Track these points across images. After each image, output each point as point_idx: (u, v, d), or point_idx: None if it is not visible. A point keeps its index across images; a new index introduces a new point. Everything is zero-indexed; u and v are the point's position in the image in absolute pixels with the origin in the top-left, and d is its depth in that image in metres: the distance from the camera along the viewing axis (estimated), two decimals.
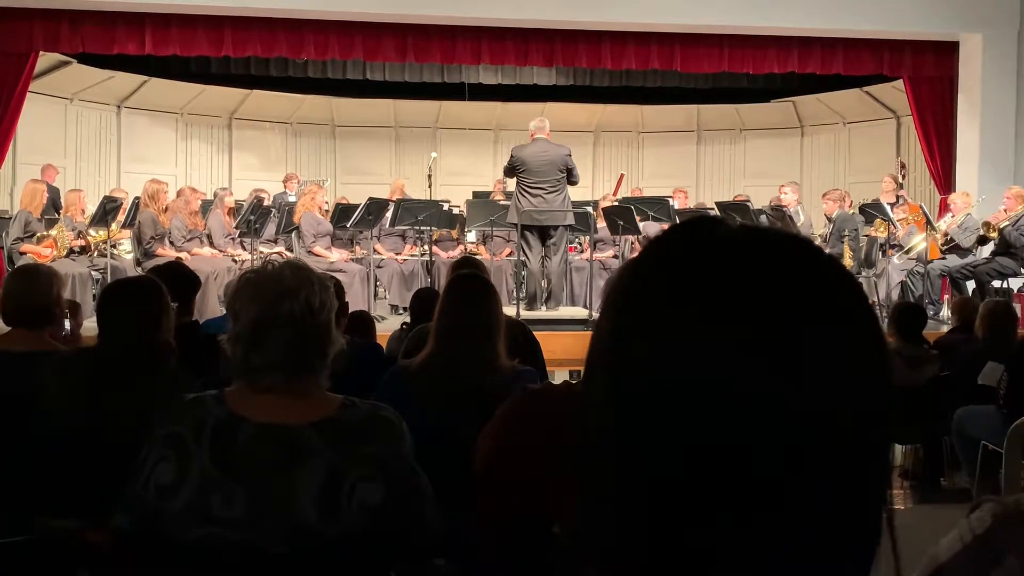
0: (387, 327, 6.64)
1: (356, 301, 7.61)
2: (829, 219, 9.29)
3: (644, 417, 0.54)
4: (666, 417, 0.54)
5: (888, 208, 9.11)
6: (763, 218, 9.02)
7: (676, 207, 9.67)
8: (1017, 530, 0.89)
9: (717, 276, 0.55)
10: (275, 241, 9.66)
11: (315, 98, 13.72)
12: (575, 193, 8.73)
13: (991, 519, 0.90)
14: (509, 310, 6.51)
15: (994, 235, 8.32)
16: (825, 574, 0.55)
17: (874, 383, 0.56)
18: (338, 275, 6.23)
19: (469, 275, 3.18)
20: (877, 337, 0.57)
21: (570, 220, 8.11)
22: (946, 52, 10.37)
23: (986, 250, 8.64)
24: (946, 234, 8.66)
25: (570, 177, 7.99)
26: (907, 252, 8.89)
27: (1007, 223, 8.22)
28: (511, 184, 8.61)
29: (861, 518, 0.56)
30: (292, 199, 10.42)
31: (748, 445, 0.53)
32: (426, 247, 9.41)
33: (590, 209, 9.20)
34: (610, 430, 0.56)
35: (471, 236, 10.18)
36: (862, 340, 0.56)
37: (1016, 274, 8.36)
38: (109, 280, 7.35)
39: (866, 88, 12.55)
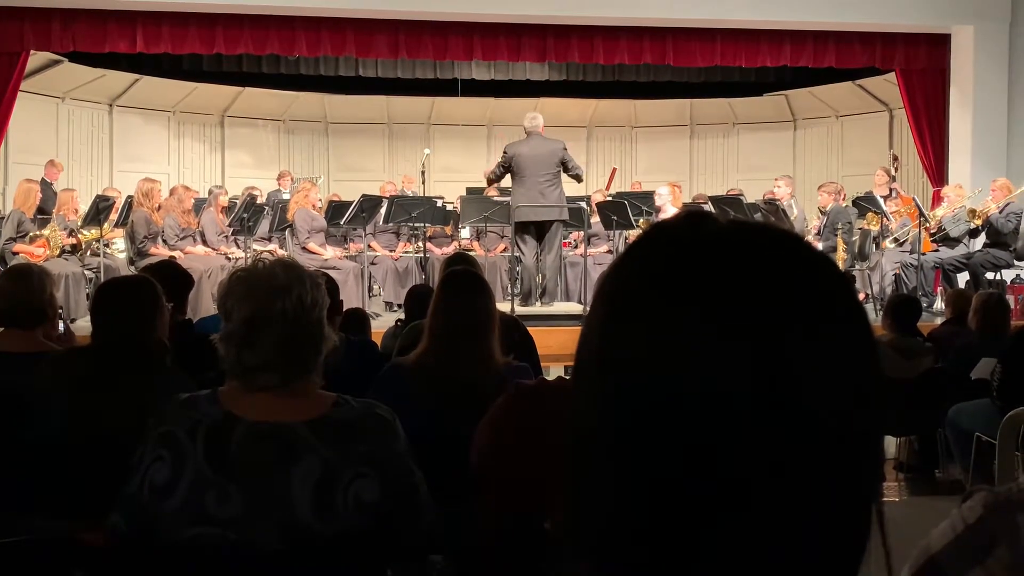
0: (382, 324, 6.64)
1: (351, 298, 7.61)
2: (823, 212, 9.31)
3: (631, 414, 0.54)
4: (653, 415, 0.54)
5: (881, 201, 9.13)
6: (757, 214, 9.02)
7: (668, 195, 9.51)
8: (1008, 519, 0.89)
9: (704, 273, 0.55)
10: (269, 239, 9.66)
11: (307, 95, 13.69)
12: (567, 188, 8.72)
13: (983, 508, 0.91)
14: (503, 306, 6.51)
15: (978, 222, 8.35)
16: (816, 568, 0.55)
17: (863, 379, 0.56)
18: (332, 272, 6.22)
19: (462, 271, 3.18)
20: (866, 333, 0.57)
21: (564, 215, 8.10)
22: (938, 44, 10.39)
23: (978, 242, 8.68)
24: (939, 224, 8.68)
25: (567, 170, 7.96)
26: (897, 242, 8.91)
27: (995, 209, 8.27)
28: (505, 180, 8.60)
29: (852, 513, 0.56)
30: (286, 196, 10.41)
31: (738, 442, 0.53)
32: (420, 244, 9.41)
33: (583, 204, 9.19)
34: (597, 427, 0.56)
35: (465, 232, 10.17)
36: (851, 336, 0.57)
37: (1009, 266, 8.39)
38: (102, 279, 7.34)
39: (858, 81, 12.57)
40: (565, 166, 7.94)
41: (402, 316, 5.02)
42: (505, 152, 8.01)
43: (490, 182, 8.76)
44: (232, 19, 9.62)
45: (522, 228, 8.04)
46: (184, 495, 1.72)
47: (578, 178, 8.14)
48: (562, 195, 8.04)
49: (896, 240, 8.99)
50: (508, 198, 8.42)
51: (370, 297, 9.12)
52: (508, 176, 8.14)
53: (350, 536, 1.74)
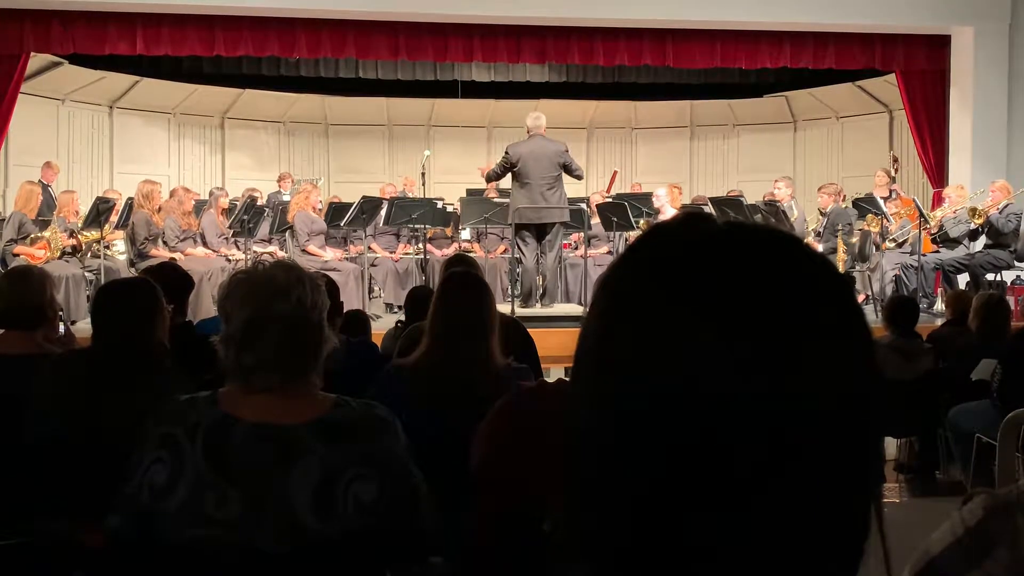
0: (382, 326, 6.64)
1: (351, 300, 7.61)
2: (823, 213, 9.31)
3: (630, 415, 0.54)
4: (652, 415, 0.54)
5: (881, 202, 9.13)
6: (757, 215, 9.02)
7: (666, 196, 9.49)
8: (1008, 522, 0.89)
9: (703, 274, 0.55)
10: (269, 241, 9.66)
11: (308, 97, 13.70)
12: (568, 188, 8.72)
13: (982, 511, 0.91)
14: (504, 307, 6.51)
15: (979, 221, 8.36)
16: (816, 569, 0.55)
17: (862, 380, 0.56)
18: (333, 274, 6.22)
19: (462, 273, 3.18)
20: (864, 334, 0.57)
21: (566, 217, 8.09)
22: (938, 45, 10.39)
23: (979, 244, 8.68)
24: (940, 224, 8.68)
25: (570, 172, 7.99)
26: (897, 243, 8.90)
27: (994, 210, 8.28)
28: (504, 181, 8.59)
29: (851, 513, 0.56)
30: (286, 198, 10.42)
31: (736, 442, 0.53)
32: (420, 245, 9.42)
33: (584, 206, 9.19)
34: (595, 428, 0.56)
35: (465, 234, 10.18)
36: (849, 337, 0.56)
37: (1009, 267, 8.39)
38: (103, 281, 7.34)
39: (859, 82, 12.57)
40: (567, 168, 7.95)
41: (402, 318, 5.02)
42: (507, 153, 7.98)
43: (488, 179, 8.72)
44: (232, 21, 9.62)
45: (523, 229, 8.03)
46: (183, 496, 1.72)
47: (579, 178, 8.28)
48: (563, 196, 8.04)
49: (896, 241, 8.99)
50: (507, 200, 8.41)
51: (370, 299, 9.13)
52: (507, 176, 8.14)
53: (349, 537, 1.74)
